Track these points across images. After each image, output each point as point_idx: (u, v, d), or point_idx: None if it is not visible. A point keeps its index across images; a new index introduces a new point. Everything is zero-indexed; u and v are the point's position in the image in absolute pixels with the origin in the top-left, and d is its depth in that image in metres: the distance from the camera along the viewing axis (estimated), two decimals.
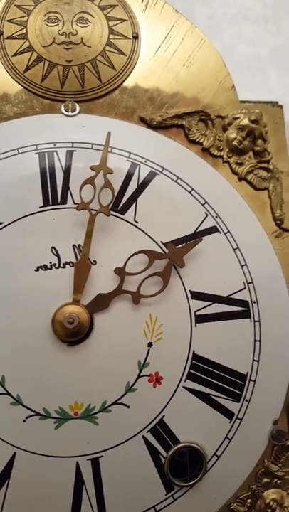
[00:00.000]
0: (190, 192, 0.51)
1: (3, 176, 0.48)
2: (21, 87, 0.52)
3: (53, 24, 0.53)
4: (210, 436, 0.47)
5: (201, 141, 0.54)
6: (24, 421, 0.44)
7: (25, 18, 0.53)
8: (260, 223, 0.54)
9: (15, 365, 0.45)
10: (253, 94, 0.62)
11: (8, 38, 0.53)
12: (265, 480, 0.49)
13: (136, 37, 0.55)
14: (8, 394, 0.45)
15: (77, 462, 0.45)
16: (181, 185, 0.51)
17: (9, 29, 0.53)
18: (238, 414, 0.48)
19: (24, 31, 0.53)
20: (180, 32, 0.56)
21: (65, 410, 0.45)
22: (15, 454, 0.44)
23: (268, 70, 0.75)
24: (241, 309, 0.49)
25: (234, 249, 0.51)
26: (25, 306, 0.46)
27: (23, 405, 0.45)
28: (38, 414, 0.45)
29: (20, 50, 0.53)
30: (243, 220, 0.53)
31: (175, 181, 0.51)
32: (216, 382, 0.47)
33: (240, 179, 0.54)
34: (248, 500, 0.48)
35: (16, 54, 0.52)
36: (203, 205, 0.51)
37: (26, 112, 0.52)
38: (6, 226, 0.47)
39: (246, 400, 0.48)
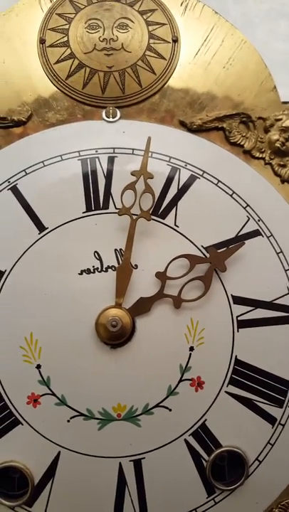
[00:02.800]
0: (231, 195, 0.51)
1: (47, 183, 0.50)
2: (63, 94, 0.53)
3: (93, 31, 0.54)
4: (252, 441, 0.47)
5: (242, 143, 0.53)
6: (68, 421, 0.46)
7: (67, 26, 0.54)
8: None
9: (60, 366, 0.46)
10: None
11: (51, 46, 0.54)
12: None
13: (176, 40, 0.55)
14: (54, 394, 0.46)
15: (120, 463, 0.46)
16: (222, 189, 0.51)
17: (51, 37, 0.54)
18: (280, 420, 0.47)
19: (66, 39, 0.54)
20: (220, 34, 0.55)
21: (108, 411, 0.46)
22: (59, 452, 0.46)
23: None
24: (285, 315, 0.49)
25: (277, 254, 0.50)
26: (70, 308, 0.47)
27: (68, 406, 0.46)
28: (82, 414, 0.46)
29: (62, 57, 0.54)
30: (286, 223, 0.52)
31: (216, 185, 0.51)
32: (259, 387, 0.47)
33: (283, 181, 0.53)
34: None
35: (57, 62, 0.54)
36: (244, 208, 0.51)
37: (68, 118, 0.53)
38: (51, 231, 0.48)
39: None
